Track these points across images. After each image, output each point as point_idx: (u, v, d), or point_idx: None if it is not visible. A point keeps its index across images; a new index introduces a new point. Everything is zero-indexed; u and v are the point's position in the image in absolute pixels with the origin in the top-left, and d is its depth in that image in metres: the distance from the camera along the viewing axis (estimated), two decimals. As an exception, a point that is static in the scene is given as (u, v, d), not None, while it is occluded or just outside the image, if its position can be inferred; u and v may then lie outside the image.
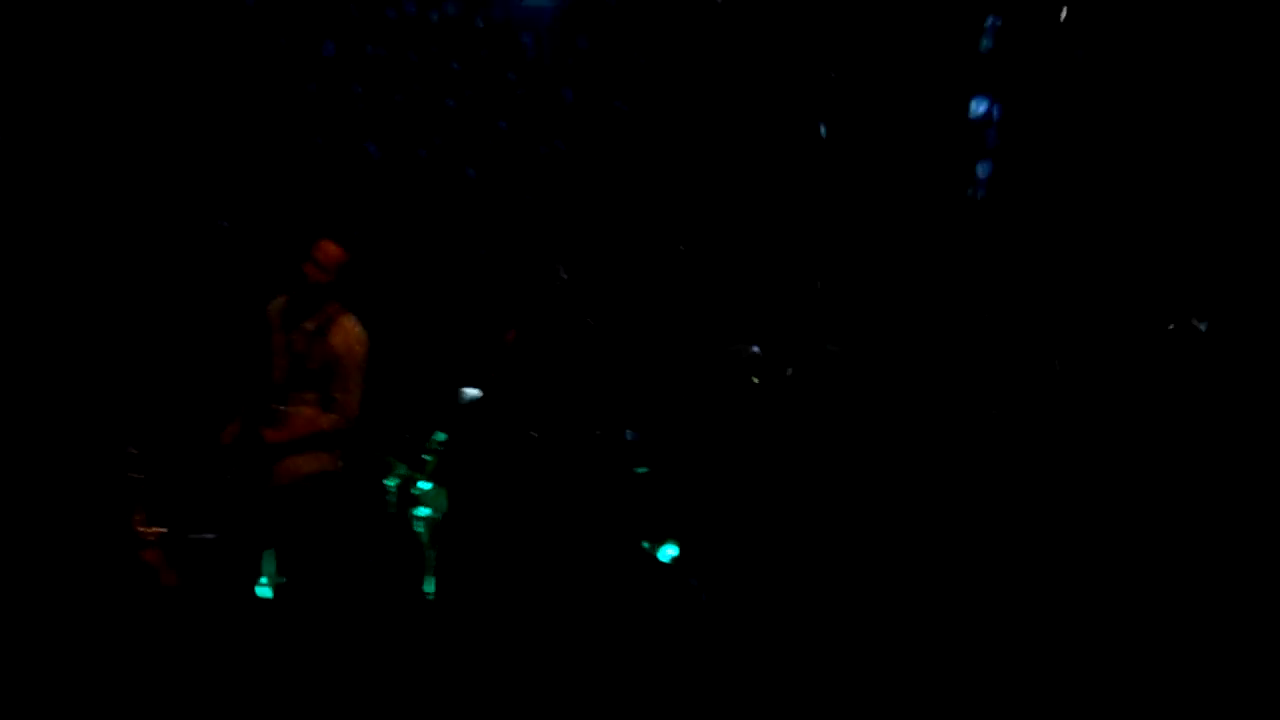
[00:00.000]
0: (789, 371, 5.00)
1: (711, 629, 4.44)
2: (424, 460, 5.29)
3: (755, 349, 4.91)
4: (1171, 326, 4.90)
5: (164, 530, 4.17)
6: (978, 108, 6.20)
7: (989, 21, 6.10)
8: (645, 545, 5.38)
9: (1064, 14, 5.60)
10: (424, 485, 5.23)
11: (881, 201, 6.43)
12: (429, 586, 5.01)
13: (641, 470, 5.03)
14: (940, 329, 5.79)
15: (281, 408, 4.71)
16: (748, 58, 6.54)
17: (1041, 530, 5.05)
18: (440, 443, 5.28)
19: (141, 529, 4.11)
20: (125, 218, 5.77)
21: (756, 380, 4.87)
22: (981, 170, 6.30)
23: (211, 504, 4.68)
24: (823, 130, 6.06)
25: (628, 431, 5.18)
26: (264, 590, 4.80)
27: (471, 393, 5.16)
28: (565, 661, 4.42)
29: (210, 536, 4.53)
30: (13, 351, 5.22)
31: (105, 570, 3.99)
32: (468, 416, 5.04)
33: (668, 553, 5.03)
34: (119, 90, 5.90)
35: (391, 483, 5.29)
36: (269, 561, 4.72)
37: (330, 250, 4.83)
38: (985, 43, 6.06)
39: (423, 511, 5.17)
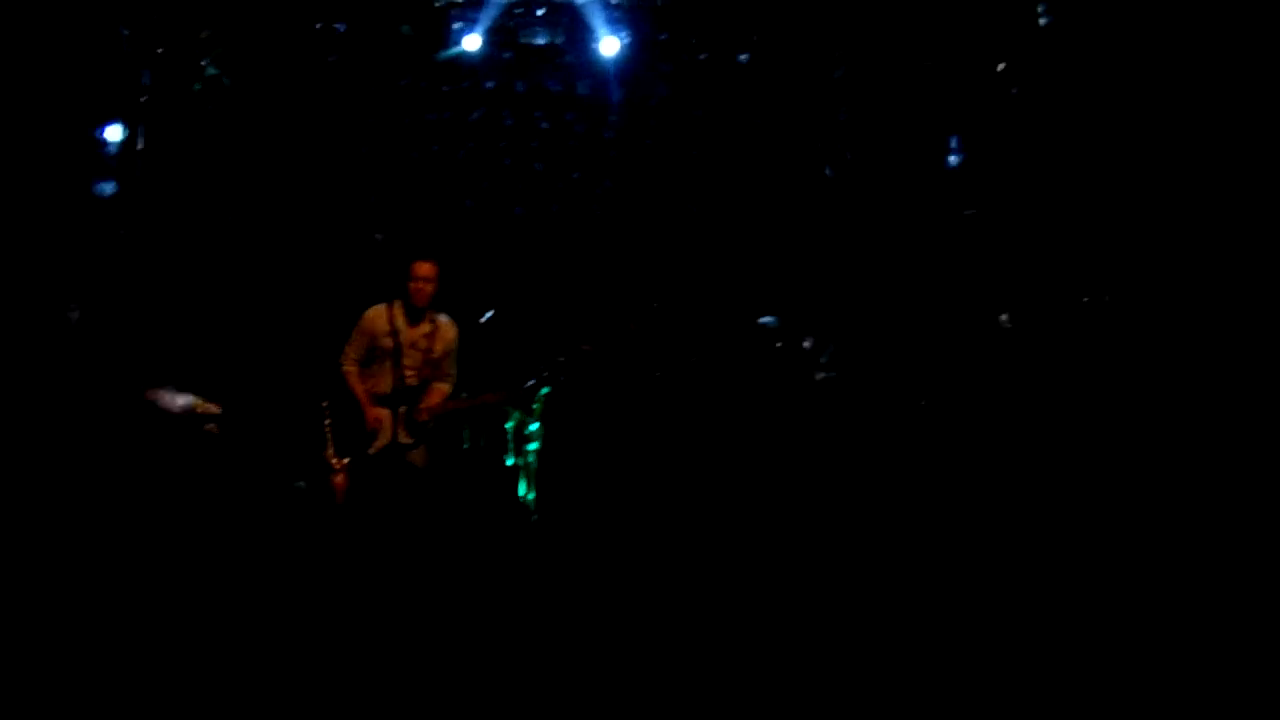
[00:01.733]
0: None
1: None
2: (533, 409, 6.92)
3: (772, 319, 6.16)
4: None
5: (346, 461, 5.89)
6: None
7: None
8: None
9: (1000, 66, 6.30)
10: (533, 427, 6.85)
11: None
12: (530, 495, 6.71)
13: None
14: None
15: (432, 386, 5.96)
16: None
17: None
18: (544, 397, 6.89)
19: (332, 460, 5.87)
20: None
21: (779, 345, 6.17)
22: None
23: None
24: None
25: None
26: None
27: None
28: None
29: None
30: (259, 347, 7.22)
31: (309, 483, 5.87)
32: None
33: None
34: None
35: (509, 425, 6.92)
36: None
37: (430, 268, 5.95)
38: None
39: (532, 446, 6.80)
